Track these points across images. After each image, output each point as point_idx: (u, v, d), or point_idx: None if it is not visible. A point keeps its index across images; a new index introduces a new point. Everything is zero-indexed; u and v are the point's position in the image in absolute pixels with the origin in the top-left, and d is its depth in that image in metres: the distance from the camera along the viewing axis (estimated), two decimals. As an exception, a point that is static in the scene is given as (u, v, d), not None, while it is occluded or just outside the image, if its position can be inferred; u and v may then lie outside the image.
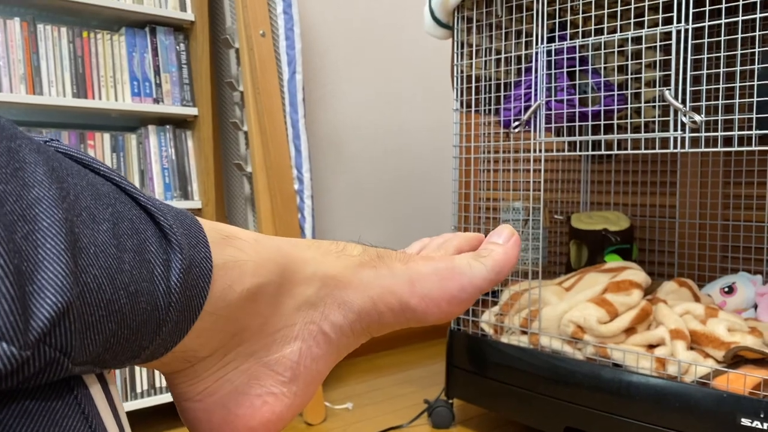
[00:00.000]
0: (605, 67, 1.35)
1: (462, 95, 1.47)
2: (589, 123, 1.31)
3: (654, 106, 1.34)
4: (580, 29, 1.29)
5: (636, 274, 1.28)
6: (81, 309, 0.25)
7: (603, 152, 1.23)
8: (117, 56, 1.44)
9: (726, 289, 1.44)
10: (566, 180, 1.89)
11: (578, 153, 1.49)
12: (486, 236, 0.48)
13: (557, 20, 1.39)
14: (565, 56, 1.33)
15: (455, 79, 1.47)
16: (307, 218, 1.53)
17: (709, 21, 1.08)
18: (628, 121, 1.30)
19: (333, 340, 0.38)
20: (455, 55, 1.45)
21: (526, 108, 1.33)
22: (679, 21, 1.09)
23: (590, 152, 1.27)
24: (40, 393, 0.25)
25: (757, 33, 1.05)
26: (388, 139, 2.15)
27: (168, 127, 1.52)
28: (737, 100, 1.07)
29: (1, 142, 0.25)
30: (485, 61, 1.44)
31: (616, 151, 1.21)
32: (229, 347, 0.35)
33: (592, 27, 1.27)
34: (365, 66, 2.07)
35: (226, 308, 0.32)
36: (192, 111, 1.51)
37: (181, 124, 1.56)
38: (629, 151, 1.19)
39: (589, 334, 1.20)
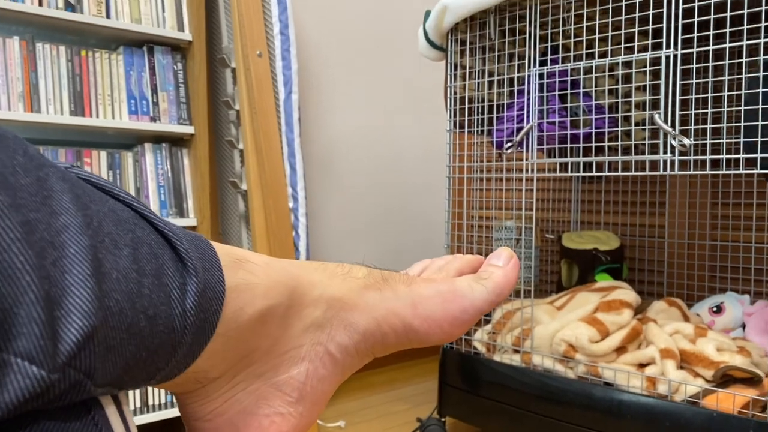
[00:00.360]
0: (596, 90, 1.38)
1: (455, 116, 1.50)
2: (581, 145, 1.33)
3: (644, 129, 1.37)
4: (572, 53, 1.31)
5: (626, 293, 1.30)
6: (104, 332, 0.26)
7: (594, 173, 1.25)
8: (115, 75, 1.46)
9: (714, 309, 1.46)
10: (557, 199, 1.91)
11: (569, 174, 1.51)
12: (485, 257, 0.49)
13: (549, 44, 1.42)
14: (557, 79, 1.36)
15: (448, 100, 1.49)
16: (302, 236, 1.54)
17: (697, 47, 1.11)
18: (619, 143, 1.33)
19: (339, 361, 0.39)
20: (448, 76, 1.48)
21: (519, 129, 1.36)
22: (668, 46, 1.12)
23: (581, 173, 1.30)
24: (60, 413, 0.26)
25: (743, 59, 1.08)
26: (383, 158, 2.17)
27: (164, 145, 1.53)
28: (725, 124, 1.10)
29: (31, 172, 0.26)
30: (478, 83, 1.46)
31: (606, 173, 1.23)
32: (239, 368, 0.36)
33: (583, 51, 1.30)
34: (361, 86, 2.09)
35: (237, 330, 0.34)
36: (188, 129, 1.53)
37: (177, 142, 1.57)
38: (619, 173, 1.21)
39: (580, 353, 1.21)
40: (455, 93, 1.49)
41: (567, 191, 1.90)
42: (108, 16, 1.42)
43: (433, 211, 2.32)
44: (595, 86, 1.37)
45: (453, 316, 0.42)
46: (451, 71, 1.48)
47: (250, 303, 0.34)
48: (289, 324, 0.37)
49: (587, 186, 1.88)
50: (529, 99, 1.33)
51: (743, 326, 1.40)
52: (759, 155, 1.02)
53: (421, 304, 0.41)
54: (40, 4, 1.34)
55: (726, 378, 1.12)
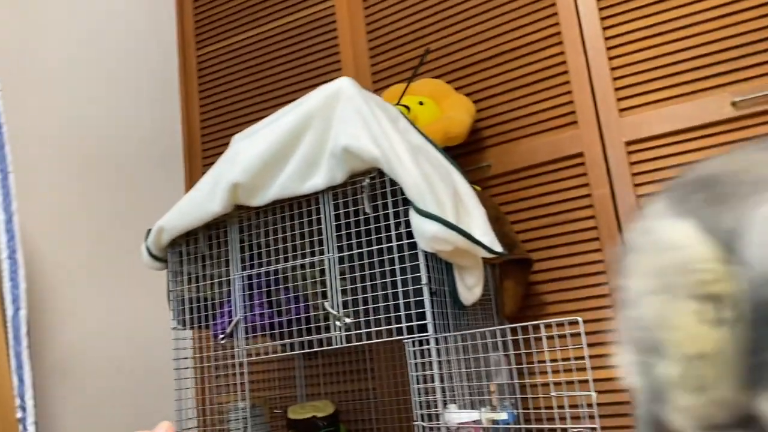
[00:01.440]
0: (292, 285, 1.73)
1: (179, 315, 1.74)
2: (285, 329, 1.64)
3: (325, 313, 1.74)
4: (273, 257, 1.66)
5: (329, 449, 1.57)
6: None
7: (297, 352, 1.55)
8: None
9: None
10: (285, 378, 2.18)
11: (280, 355, 1.80)
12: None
13: (255, 251, 1.76)
14: (263, 279, 1.69)
15: (171, 302, 1.74)
16: (32, 446, 1.59)
17: (347, 252, 1.52)
18: (312, 325, 1.66)
19: None
20: (169, 282, 1.74)
21: (230, 322, 1.64)
22: (329, 251, 1.52)
23: (288, 353, 1.60)
24: None
25: (385, 257, 1.50)
26: (123, 358, 2.28)
27: None
28: (378, 304, 1.49)
29: None
30: (198, 286, 1.74)
31: (301, 350, 1.54)
32: None
33: (280, 256, 1.66)
34: (104, 290, 2.24)
35: None
36: None
37: None
38: (306, 350, 1.53)
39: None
40: (178, 295, 1.74)
41: (292, 369, 2.19)
42: None
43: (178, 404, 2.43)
44: (292, 282, 1.73)
45: None
46: (171, 278, 1.74)
47: None
48: None
49: (309, 362, 2.19)
50: (235, 296, 1.63)
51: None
52: (394, 326, 1.42)
53: None
54: None
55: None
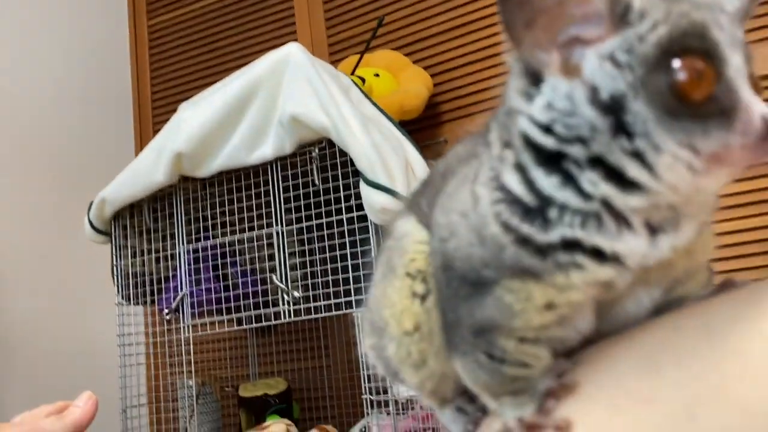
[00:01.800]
0: (241, 259, 1.68)
1: (124, 290, 1.67)
2: (233, 304, 1.60)
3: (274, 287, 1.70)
4: (219, 230, 1.61)
5: (277, 426, 1.54)
6: None
7: (245, 327, 1.51)
8: None
9: (362, 429, 1.76)
10: (237, 356, 2.14)
11: (228, 330, 1.75)
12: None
13: (201, 223, 1.71)
14: (209, 252, 1.64)
15: (115, 277, 1.67)
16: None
17: (296, 224, 1.48)
18: (260, 299, 1.62)
19: None
20: (113, 256, 1.67)
21: (176, 297, 1.58)
22: (277, 224, 1.47)
23: (236, 328, 1.55)
24: None
25: (335, 229, 1.46)
26: (67, 336, 2.20)
27: None
28: (328, 277, 1.45)
29: None
30: (143, 260, 1.68)
31: (251, 325, 1.50)
32: None
33: (228, 228, 1.61)
34: (36, 266, 2.15)
35: None
36: None
37: None
38: (254, 324, 1.49)
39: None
40: (121, 270, 1.68)
41: (245, 347, 2.14)
42: None
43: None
44: (240, 256, 1.68)
45: None
46: (115, 251, 1.67)
47: None
48: None
49: (262, 339, 2.14)
50: (181, 271, 1.58)
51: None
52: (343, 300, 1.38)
53: None
54: None
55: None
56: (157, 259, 1.66)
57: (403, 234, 0.46)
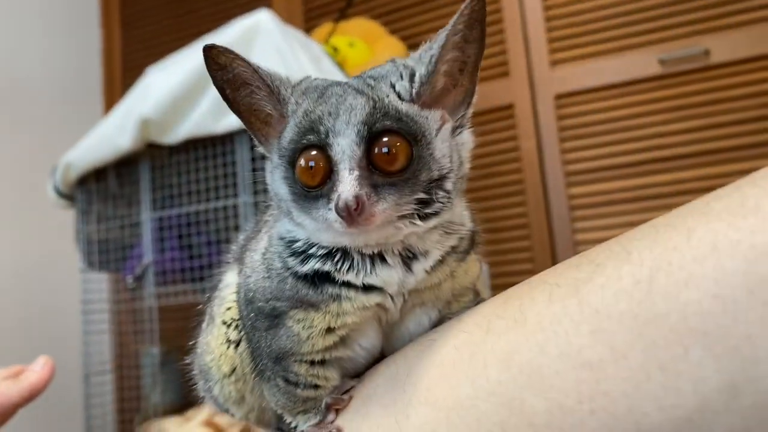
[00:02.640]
0: (208, 229, 1.67)
1: (87, 256, 1.65)
2: (197, 274, 1.58)
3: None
4: (185, 199, 1.59)
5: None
6: None
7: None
8: None
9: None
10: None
11: (192, 300, 1.74)
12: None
13: (167, 191, 1.68)
14: (174, 221, 1.62)
15: (79, 242, 1.65)
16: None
17: (263, 195, 1.46)
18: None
19: None
20: (77, 221, 1.65)
21: (140, 265, 1.57)
22: (243, 195, 1.46)
23: (201, 297, 1.54)
24: None
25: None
26: (30, 300, 2.18)
27: None
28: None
29: None
30: (107, 227, 1.66)
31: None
32: None
33: (194, 198, 1.59)
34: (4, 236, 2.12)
35: None
36: None
37: None
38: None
39: (198, 453, 1.40)
40: (86, 236, 1.66)
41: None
42: None
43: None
44: (205, 226, 1.66)
45: None
46: (80, 217, 1.65)
47: None
48: None
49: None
50: (146, 239, 1.56)
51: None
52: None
53: None
54: None
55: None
56: (122, 226, 1.64)
57: (225, 285, 0.51)
